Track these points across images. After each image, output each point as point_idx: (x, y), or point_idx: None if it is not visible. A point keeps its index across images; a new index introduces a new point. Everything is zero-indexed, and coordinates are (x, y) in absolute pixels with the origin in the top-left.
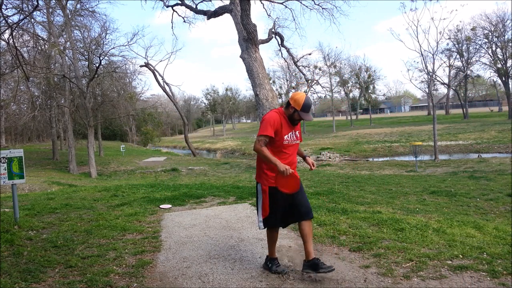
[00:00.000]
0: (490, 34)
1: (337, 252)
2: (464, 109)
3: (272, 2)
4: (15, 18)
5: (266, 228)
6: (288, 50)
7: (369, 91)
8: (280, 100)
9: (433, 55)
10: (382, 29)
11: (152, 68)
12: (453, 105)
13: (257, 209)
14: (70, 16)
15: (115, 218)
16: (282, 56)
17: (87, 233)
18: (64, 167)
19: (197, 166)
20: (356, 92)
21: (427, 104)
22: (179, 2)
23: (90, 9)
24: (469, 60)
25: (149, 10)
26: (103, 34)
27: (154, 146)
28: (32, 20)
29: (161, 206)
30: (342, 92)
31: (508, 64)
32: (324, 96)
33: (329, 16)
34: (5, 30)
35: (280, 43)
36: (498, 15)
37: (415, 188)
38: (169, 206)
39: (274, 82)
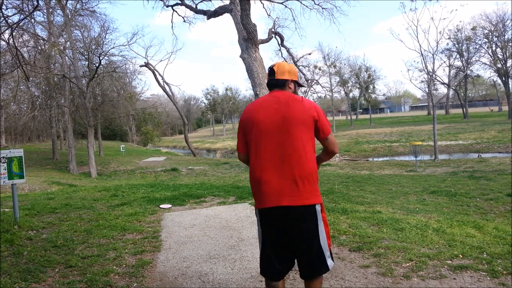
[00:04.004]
0: (490, 34)
1: (337, 252)
2: (464, 109)
3: (272, 2)
4: (15, 18)
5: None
6: (288, 50)
7: (369, 91)
8: None
9: (433, 55)
10: (382, 30)
11: (152, 68)
12: (453, 105)
13: (323, 242)
14: (70, 16)
15: (115, 218)
16: (282, 56)
17: (87, 233)
18: (64, 167)
19: (197, 166)
20: (356, 92)
21: (427, 104)
22: (179, 2)
23: (90, 9)
24: (469, 60)
25: (149, 10)
26: (103, 34)
27: (154, 146)
28: (32, 20)
29: (161, 206)
30: (342, 92)
31: (508, 64)
32: (324, 96)
33: (329, 16)
34: (5, 30)
35: (280, 43)
36: (498, 15)
37: (415, 188)
38: (169, 206)
39: None
